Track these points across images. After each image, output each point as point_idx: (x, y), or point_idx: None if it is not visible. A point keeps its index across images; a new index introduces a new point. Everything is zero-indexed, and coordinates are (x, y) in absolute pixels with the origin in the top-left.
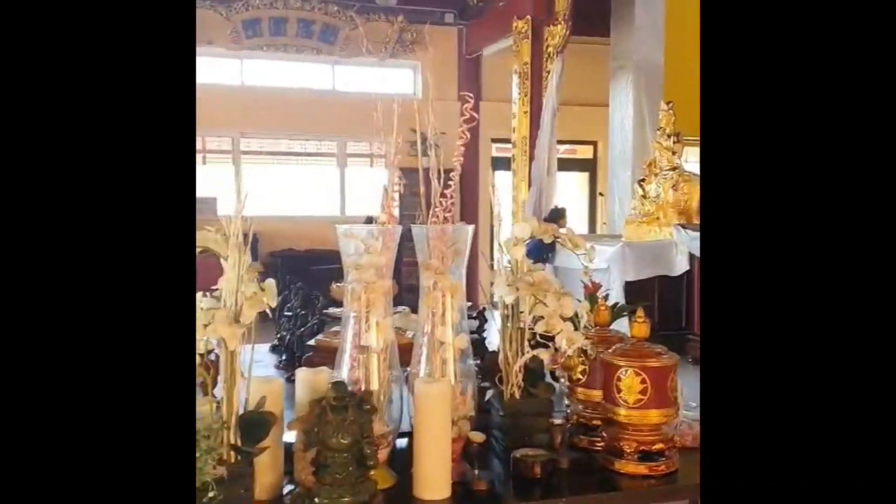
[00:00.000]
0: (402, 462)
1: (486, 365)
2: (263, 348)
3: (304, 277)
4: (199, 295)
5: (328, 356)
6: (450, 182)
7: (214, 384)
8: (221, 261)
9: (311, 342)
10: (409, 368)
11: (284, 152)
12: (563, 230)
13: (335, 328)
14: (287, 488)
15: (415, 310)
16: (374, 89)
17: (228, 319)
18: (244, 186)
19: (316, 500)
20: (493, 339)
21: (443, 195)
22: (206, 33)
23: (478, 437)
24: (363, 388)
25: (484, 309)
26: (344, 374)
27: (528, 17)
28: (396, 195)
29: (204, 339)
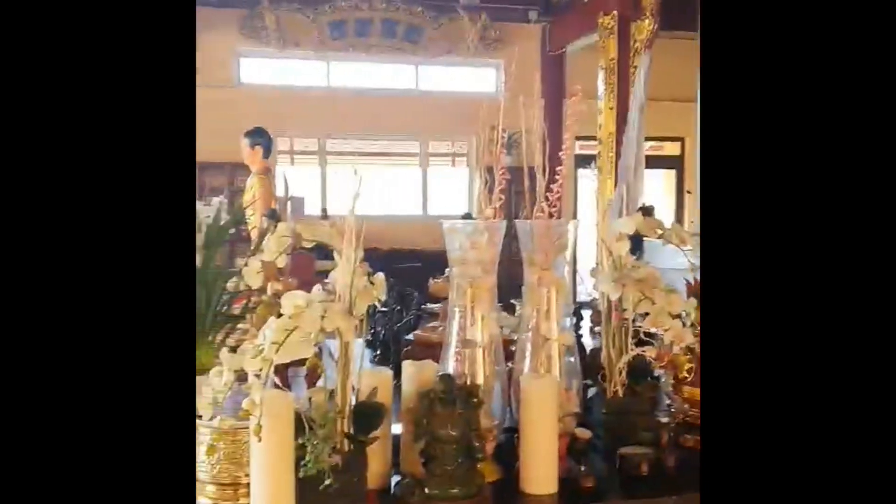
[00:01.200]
0: (506, 457)
1: (588, 362)
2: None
3: (389, 276)
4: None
5: (427, 350)
6: (556, 177)
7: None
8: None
9: (409, 336)
10: (511, 364)
11: (367, 152)
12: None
13: (432, 323)
14: (395, 479)
15: (505, 307)
16: (457, 88)
17: (343, 311)
18: (359, 185)
19: (426, 490)
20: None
21: (549, 190)
22: (293, 36)
23: (584, 433)
24: (469, 382)
25: (580, 306)
26: (449, 367)
27: (615, 12)
28: (492, 193)
29: (312, 333)
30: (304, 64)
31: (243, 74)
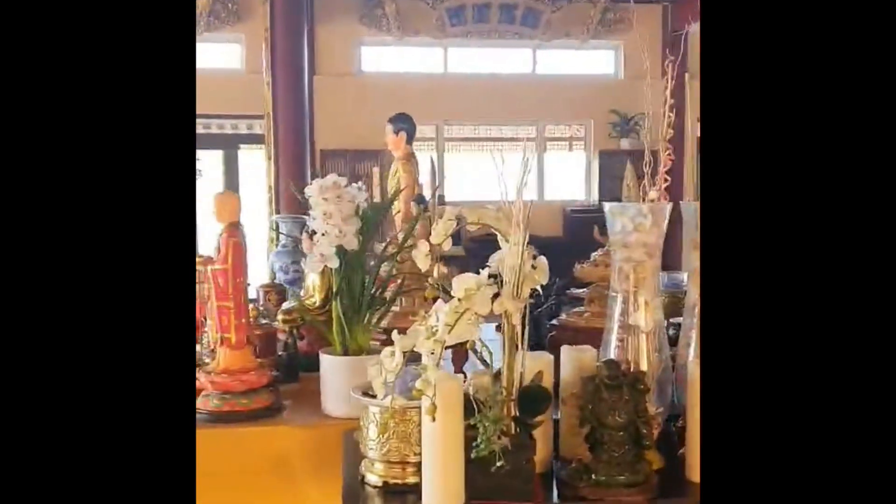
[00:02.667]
0: (668, 445)
1: None
2: (488, 328)
3: None
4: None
5: (571, 335)
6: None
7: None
8: (500, 239)
9: (554, 321)
10: (674, 349)
11: (483, 138)
12: None
13: (577, 308)
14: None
15: None
16: (575, 71)
17: (511, 294)
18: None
19: (594, 476)
20: None
21: (669, 172)
22: (412, 24)
23: None
24: (633, 368)
25: None
26: (611, 353)
27: None
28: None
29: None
30: (422, 51)
31: (364, 62)
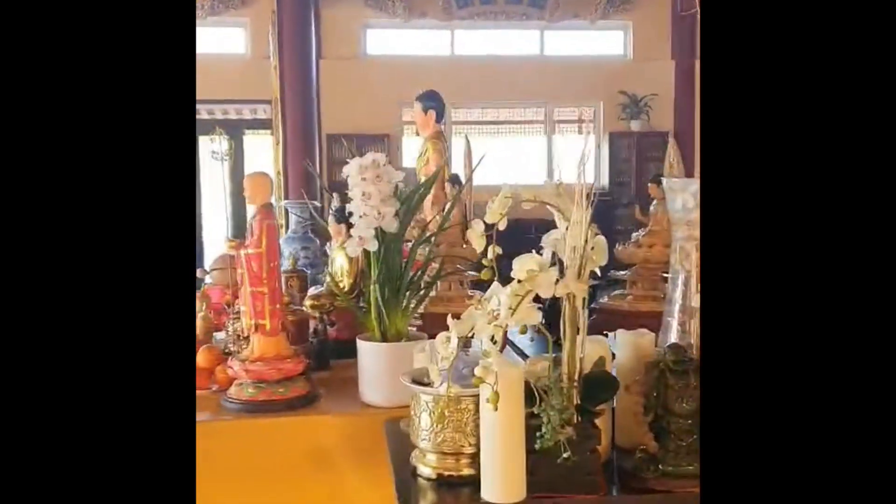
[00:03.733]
0: None
1: None
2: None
3: (520, 246)
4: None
5: (615, 318)
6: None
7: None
8: (557, 219)
9: (593, 305)
10: None
11: (491, 121)
12: None
13: (618, 291)
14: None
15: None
16: (583, 52)
17: (575, 276)
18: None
19: (661, 466)
20: None
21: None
22: (418, 6)
23: None
24: (697, 353)
25: None
26: (672, 337)
27: None
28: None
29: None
30: (429, 33)
31: (369, 46)
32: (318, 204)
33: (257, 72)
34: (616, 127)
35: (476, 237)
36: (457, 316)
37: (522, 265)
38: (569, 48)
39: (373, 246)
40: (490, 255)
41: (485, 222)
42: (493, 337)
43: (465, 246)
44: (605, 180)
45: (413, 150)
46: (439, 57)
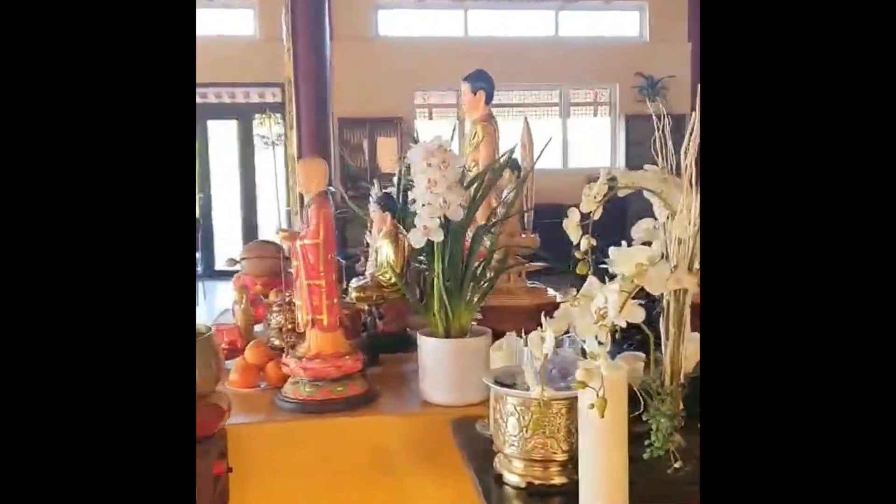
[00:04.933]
0: None
1: None
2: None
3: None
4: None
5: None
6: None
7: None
8: (657, 208)
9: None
10: None
11: (505, 104)
12: None
13: None
14: None
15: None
16: (599, 33)
17: (685, 269)
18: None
19: None
20: None
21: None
22: None
23: None
24: None
25: None
26: None
27: None
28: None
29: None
30: (441, 14)
31: (381, 27)
32: (333, 189)
33: (267, 54)
34: (633, 109)
35: (573, 227)
36: (549, 313)
37: (630, 258)
38: (584, 29)
39: (438, 236)
40: (584, 246)
41: (580, 211)
42: (597, 337)
43: (524, 235)
44: (620, 163)
45: (427, 134)
46: (452, 38)
